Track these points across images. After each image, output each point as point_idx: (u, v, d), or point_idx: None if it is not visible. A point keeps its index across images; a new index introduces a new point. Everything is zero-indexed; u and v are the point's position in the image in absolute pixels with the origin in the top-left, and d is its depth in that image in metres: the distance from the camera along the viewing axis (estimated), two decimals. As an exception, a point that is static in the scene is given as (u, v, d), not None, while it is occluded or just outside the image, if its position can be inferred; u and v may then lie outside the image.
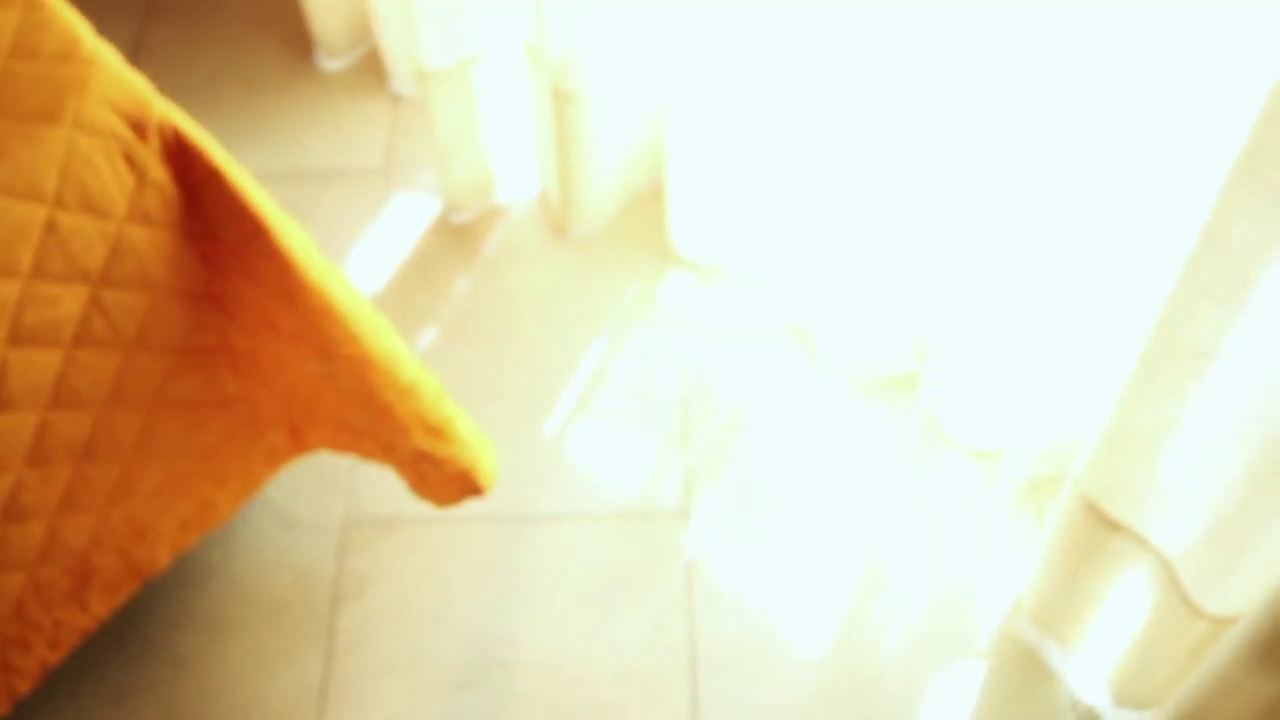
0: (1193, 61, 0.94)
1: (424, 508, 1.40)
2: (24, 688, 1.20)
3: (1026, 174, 1.10)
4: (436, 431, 1.16)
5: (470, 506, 1.40)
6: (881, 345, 1.46)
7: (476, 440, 1.21)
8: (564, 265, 1.65)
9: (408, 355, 1.14)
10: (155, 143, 0.97)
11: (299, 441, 1.31)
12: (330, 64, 1.86)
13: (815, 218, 1.39)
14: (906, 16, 1.11)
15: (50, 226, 0.94)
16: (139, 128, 0.96)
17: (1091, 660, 1.29)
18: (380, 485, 1.45)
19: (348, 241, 1.68)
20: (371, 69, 1.86)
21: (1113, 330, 1.16)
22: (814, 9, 1.20)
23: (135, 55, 1.89)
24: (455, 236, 1.68)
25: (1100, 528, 1.14)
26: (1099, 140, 1.03)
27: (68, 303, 0.98)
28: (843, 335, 1.48)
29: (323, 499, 1.46)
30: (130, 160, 0.96)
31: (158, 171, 0.98)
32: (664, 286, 1.62)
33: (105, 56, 0.96)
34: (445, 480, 1.20)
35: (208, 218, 1.02)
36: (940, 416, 1.45)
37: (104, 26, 1.01)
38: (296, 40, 1.89)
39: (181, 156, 0.99)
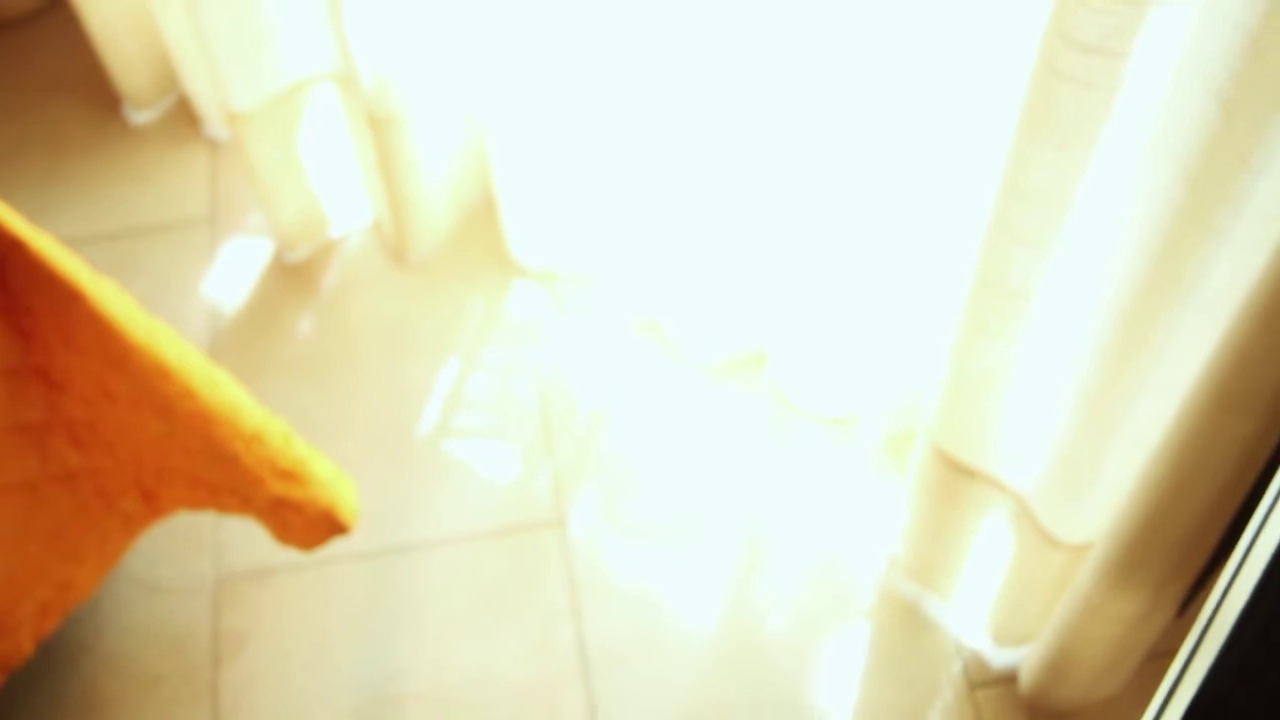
0: (975, 25, 0.97)
1: (294, 555, 1.38)
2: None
3: (839, 148, 1.13)
4: (290, 475, 1.14)
5: (341, 546, 1.38)
6: (728, 328, 1.48)
7: (335, 478, 1.19)
8: (407, 290, 1.63)
9: (249, 402, 1.12)
10: (-52, 222, 0.94)
11: (154, 506, 1.27)
12: (139, 117, 1.81)
13: (646, 212, 1.40)
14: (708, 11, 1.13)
15: None
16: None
17: (969, 605, 1.33)
18: (246, 538, 1.42)
19: (182, 295, 1.64)
20: (183, 117, 1.81)
21: (941, 284, 1.19)
22: (616, 13, 1.21)
23: (-68, 132, 1.81)
24: (292, 276, 1.65)
25: (956, 476, 1.18)
26: (905, 107, 1.06)
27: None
28: (690, 323, 1.49)
29: (189, 560, 1.43)
30: (-76, 243, 0.93)
31: (-45, 251, 0.95)
32: (510, 298, 1.62)
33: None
34: (307, 523, 1.18)
35: (16, 290, 0.99)
36: (790, 389, 1.47)
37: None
38: (101, 97, 1.84)
39: (-22, 232, 0.96)
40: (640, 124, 1.31)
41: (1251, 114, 0.72)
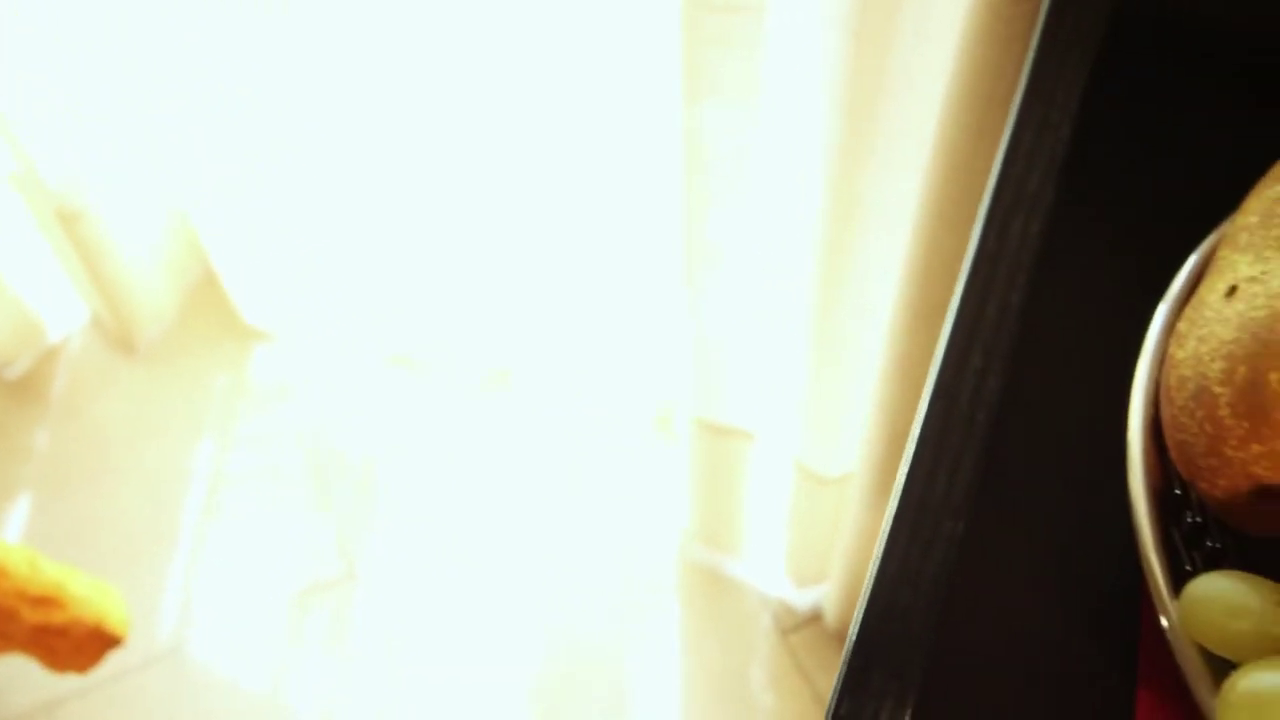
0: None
1: (76, 680, 1.31)
2: None
3: (531, 178, 1.14)
4: (45, 601, 1.08)
5: (123, 657, 1.32)
6: (474, 347, 1.47)
7: (96, 591, 1.14)
8: (143, 380, 1.57)
9: (-19, 537, 1.05)
10: None
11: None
12: None
13: (365, 251, 1.38)
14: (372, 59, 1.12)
15: None
16: None
17: (763, 558, 1.36)
18: (22, 675, 1.34)
19: (-101, 439, 1.53)
20: None
21: (655, 264, 1.21)
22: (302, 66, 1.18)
23: None
24: (16, 391, 1.56)
25: (717, 438, 1.20)
26: (579, 116, 1.07)
27: None
28: (438, 347, 1.48)
29: (-33, 714, 1.34)
30: None
31: None
32: (253, 364, 1.57)
33: None
34: (77, 645, 1.12)
35: None
36: (544, 392, 1.48)
37: None
38: None
39: None
40: (340, 170, 1.28)
41: (875, 39, 0.75)
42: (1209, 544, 0.40)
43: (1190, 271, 0.41)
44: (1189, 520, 0.40)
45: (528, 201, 1.21)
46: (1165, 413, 0.38)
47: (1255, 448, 0.34)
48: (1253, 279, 0.36)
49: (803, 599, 1.36)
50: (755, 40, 0.84)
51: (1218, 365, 0.35)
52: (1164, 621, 0.35)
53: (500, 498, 1.45)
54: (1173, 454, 0.38)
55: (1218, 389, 0.35)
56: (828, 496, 1.18)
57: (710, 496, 1.31)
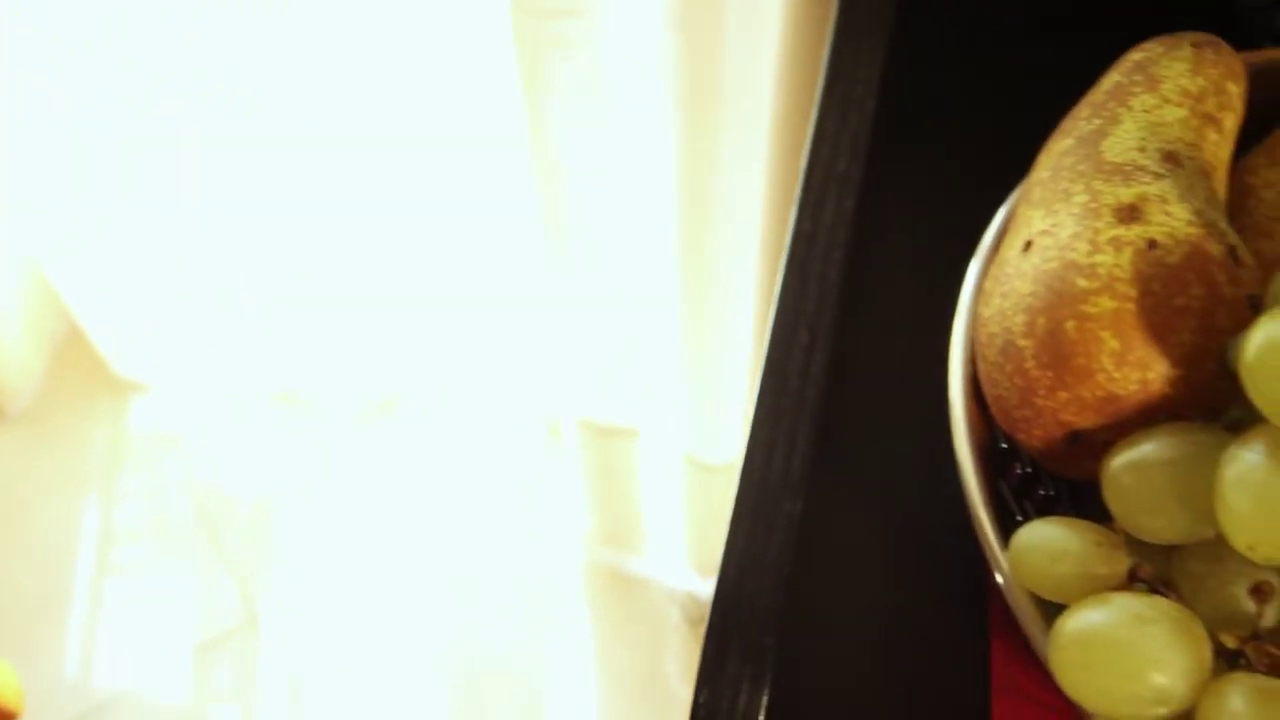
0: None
1: (-26, 761, 1.27)
2: None
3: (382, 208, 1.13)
4: (-71, 685, 1.05)
5: (24, 733, 1.28)
6: (356, 377, 1.46)
7: (-16, 669, 1.10)
8: (16, 445, 1.52)
9: None
10: None
11: None
12: None
13: (234, 290, 1.36)
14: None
15: None
16: None
17: (666, 552, 1.37)
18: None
19: None
20: None
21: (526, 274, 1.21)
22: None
23: None
24: (-116, 473, 1.51)
25: (604, 438, 1.20)
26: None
27: None
28: (321, 381, 1.46)
29: None
30: None
31: None
32: (132, 418, 1.53)
33: None
34: (-32, 726, 1.08)
35: None
36: (433, 416, 1.46)
37: None
38: None
39: None
40: (196, 206, 1.26)
41: (702, 33, 0.76)
42: (1041, 493, 0.41)
43: (996, 230, 0.42)
44: (1019, 471, 0.41)
45: (390, 223, 1.20)
46: (980, 369, 0.39)
47: (1062, 395, 0.35)
48: (1044, 232, 0.37)
49: (708, 588, 1.36)
50: (591, 42, 0.84)
51: (1020, 319, 0.36)
52: (997, 575, 0.36)
53: (398, 526, 1.44)
54: (991, 409, 0.39)
55: (1022, 342, 0.36)
56: (718, 484, 1.19)
57: (606, 497, 1.31)
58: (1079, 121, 0.40)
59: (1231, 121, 0.40)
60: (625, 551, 1.38)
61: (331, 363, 1.43)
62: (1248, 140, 0.43)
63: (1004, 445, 0.40)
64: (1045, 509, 0.41)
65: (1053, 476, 0.41)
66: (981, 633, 0.42)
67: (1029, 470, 0.41)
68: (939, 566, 0.42)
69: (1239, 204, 0.40)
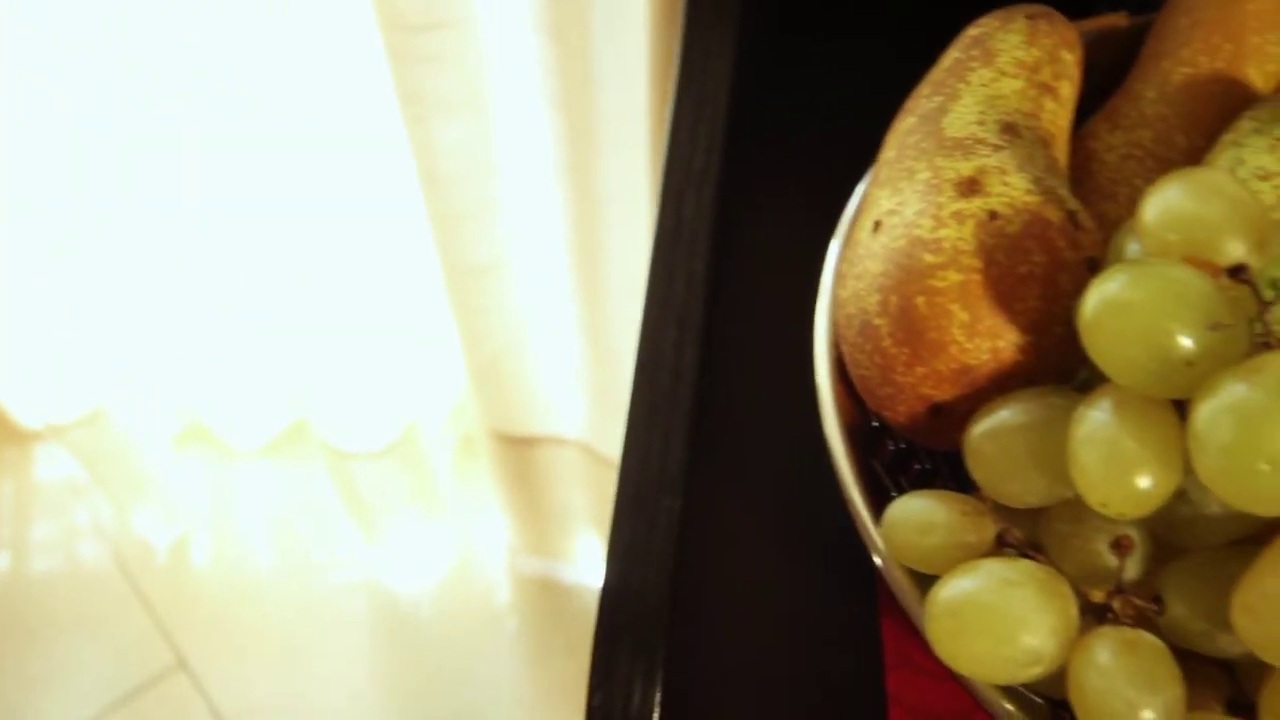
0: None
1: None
2: None
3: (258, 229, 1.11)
4: None
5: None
6: (263, 406, 1.44)
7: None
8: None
9: None
10: None
11: None
12: None
13: (125, 326, 1.33)
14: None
15: None
16: None
17: (591, 555, 1.37)
18: None
19: None
20: None
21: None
22: None
23: None
24: None
25: (518, 447, 1.20)
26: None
27: None
28: (227, 413, 1.44)
29: None
30: None
31: None
32: (35, 466, 1.50)
33: None
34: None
35: None
36: (345, 439, 1.44)
37: None
38: None
39: None
40: (71, 242, 1.23)
41: (572, 38, 0.76)
42: (917, 467, 0.42)
43: (853, 214, 0.42)
44: (893, 448, 0.41)
45: (279, 245, 1.18)
46: (844, 351, 0.39)
47: (919, 370, 0.36)
48: (892, 211, 0.37)
49: (637, 588, 1.37)
50: (465, 54, 0.84)
51: (874, 298, 0.37)
52: (873, 554, 0.37)
53: (318, 553, 1.42)
54: (857, 388, 0.39)
55: (877, 320, 0.36)
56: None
57: (527, 507, 1.31)
58: (921, 100, 0.41)
59: (1068, 89, 0.41)
60: (553, 559, 1.38)
61: (237, 393, 1.41)
62: (1090, 106, 0.44)
63: (875, 424, 0.41)
64: (923, 483, 0.41)
65: (928, 451, 0.41)
66: (873, 611, 0.42)
67: (903, 446, 0.41)
68: (827, 550, 0.42)
69: (1083, 169, 0.41)
